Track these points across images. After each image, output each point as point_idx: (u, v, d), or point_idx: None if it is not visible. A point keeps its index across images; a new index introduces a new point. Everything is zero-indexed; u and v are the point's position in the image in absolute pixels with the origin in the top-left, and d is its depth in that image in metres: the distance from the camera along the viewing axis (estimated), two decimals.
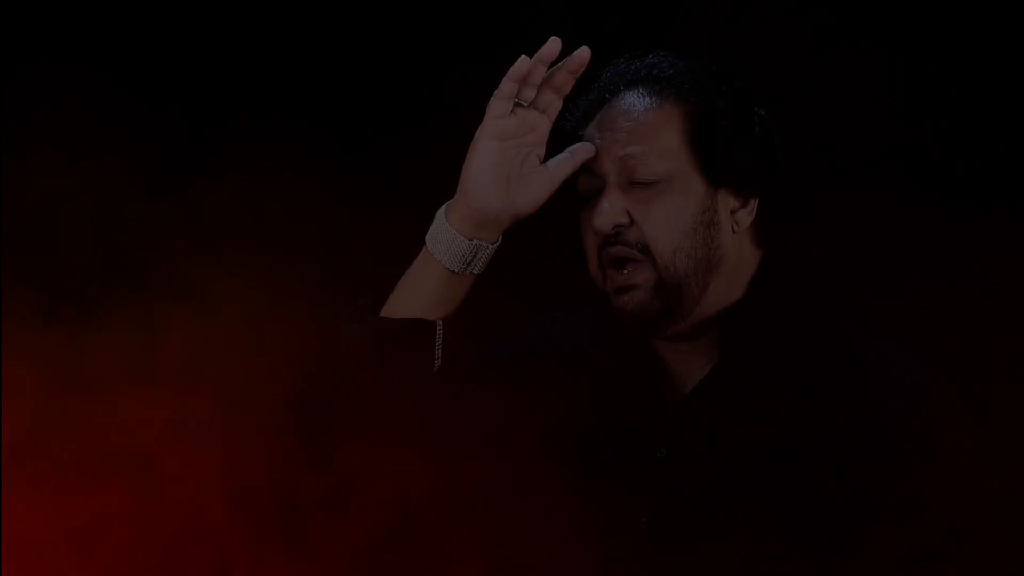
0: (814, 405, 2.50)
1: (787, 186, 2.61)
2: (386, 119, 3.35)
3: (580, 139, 2.59)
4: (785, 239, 2.62)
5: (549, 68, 2.56)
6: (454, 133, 2.66)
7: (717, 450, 2.51)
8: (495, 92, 2.55)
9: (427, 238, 2.59)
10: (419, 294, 2.60)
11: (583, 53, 2.54)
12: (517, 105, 2.55)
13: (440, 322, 2.60)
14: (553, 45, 2.53)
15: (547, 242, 2.90)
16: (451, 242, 2.57)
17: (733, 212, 2.56)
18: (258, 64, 3.34)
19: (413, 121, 3.32)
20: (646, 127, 2.54)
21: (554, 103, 2.58)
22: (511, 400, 2.59)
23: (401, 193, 3.20)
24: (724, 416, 2.52)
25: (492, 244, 2.59)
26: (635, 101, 2.57)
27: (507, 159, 2.55)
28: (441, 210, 2.59)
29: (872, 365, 2.52)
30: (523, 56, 2.53)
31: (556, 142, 2.59)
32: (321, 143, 3.27)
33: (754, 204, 2.57)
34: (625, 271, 2.54)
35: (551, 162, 2.57)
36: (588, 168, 2.56)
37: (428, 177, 2.83)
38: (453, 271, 2.58)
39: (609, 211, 2.53)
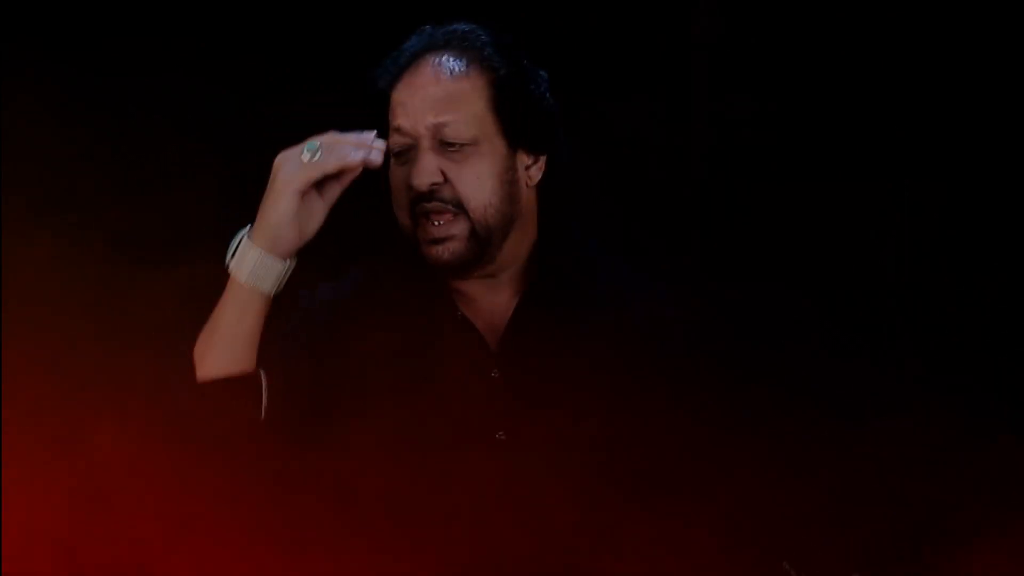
0: (607, 319, 2.92)
1: (562, 141, 2.96)
2: None
3: (390, 99, 2.89)
4: (553, 186, 2.97)
5: None
6: None
7: (545, 364, 2.87)
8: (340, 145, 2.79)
9: (239, 271, 2.78)
10: (239, 332, 2.79)
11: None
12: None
13: (263, 373, 2.80)
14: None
15: None
16: (269, 267, 2.78)
17: (527, 168, 2.92)
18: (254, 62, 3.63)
19: None
20: (456, 95, 2.86)
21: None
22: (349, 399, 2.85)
23: None
24: (544, 332, 2.88)
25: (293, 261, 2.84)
26: (444, 67, 2.87)
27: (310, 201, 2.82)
28: (245, 240, 2.78)
29: (637, 287, 2.96)
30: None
31: (368, 98, 2.91)
32: None
33: (543, 161, 2.93)
34: (439, 224, 2.87)
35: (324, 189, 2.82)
36: (399, 129, 2.87)
37: None
38: (270, 294, 2.80)
39: (425, 171, 2.85)
